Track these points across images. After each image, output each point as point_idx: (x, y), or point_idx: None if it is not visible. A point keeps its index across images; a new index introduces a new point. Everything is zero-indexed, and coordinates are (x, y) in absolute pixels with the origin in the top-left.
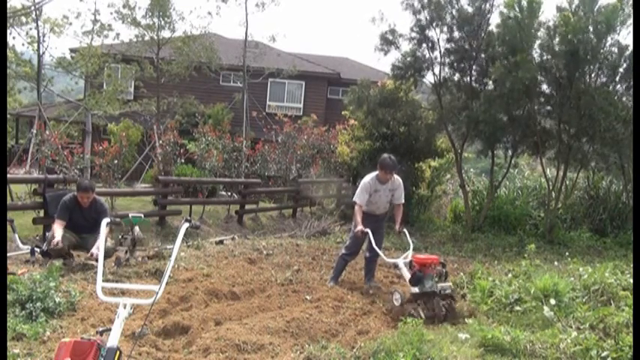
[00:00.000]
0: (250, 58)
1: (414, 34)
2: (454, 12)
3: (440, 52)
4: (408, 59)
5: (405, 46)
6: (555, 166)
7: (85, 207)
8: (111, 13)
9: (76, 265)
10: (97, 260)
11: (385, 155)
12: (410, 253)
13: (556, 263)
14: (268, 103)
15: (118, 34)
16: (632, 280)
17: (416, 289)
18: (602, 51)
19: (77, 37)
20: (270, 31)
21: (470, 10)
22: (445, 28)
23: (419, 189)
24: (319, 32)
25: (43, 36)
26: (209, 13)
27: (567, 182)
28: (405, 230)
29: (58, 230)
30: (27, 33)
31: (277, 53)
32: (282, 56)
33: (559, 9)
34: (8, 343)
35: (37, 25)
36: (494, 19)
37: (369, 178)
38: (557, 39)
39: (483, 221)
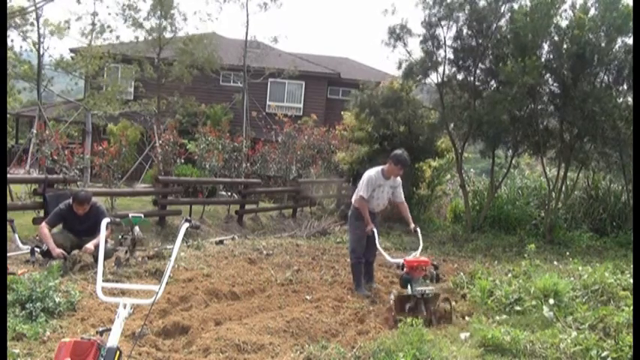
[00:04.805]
0: (251, 58)
1: (422, 31)
2: (467, 9)
3: (445, 50)
4: (416, 57)
5: (412, 43)
6: (556, 165)
7: (81, 215)
8: (109, 14)
9: (76, 265)
10: (92, 255)
11: (399, 151)
12: (418, 253)
13: (556, 263)
14: (268, 103)
15: (118, 37)
16: (632, 280)
17: (409, 291)
18: (610, 53)
19: (77, 38)
20: (271, 31)
21: (484, 4)
22: (454, 27)
23: (419, 189)
24: (319, 32)
25: (43, 37)
26: (208, 15)
27: (568, 182)
28: (418, 229)
29: (49, 240)
30: (25, 33)
31: (278, 53)
32: (282, 56)
33: (572, 7)
34: (8, 343)
35: (38, 25)
36: (507, 17)
37: (373, 171)
38: (567, 39)
39: (483, 221)
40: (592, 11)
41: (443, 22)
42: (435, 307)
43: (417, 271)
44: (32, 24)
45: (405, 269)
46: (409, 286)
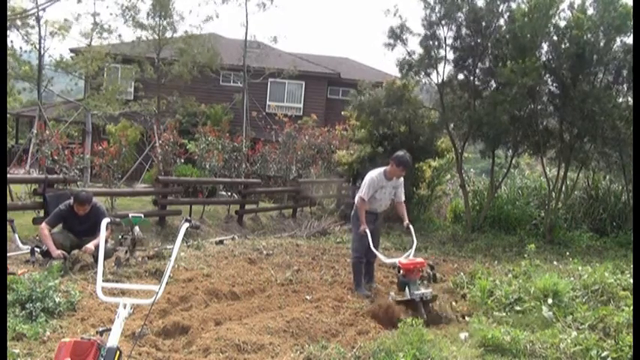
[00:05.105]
0: (251, 58)
1: (422, 30)
2: (464, 10)
3: (445, 50)
4: (415, 57)
5: (412, 43)
6: (556, 165)
7: (81, 215)
8: (111, 14)
9: (76, 264)
10: (92, 255)
11: (401, 152)
12: (412, 251)
13: (556, 263)
14: (268, 103)
15: (119, 35)
16: (632, 280)
17: (407, 294)
18: (609, 52)
19: (77, 38)
20: (271, 31)
21: (482, 5)
22: (454, 26)
23: (419, 189)
24: (319, 32)
25: (44, 38)
26: (208, 16)
27: (567, 182)
28: (410, 227)
29: (49, 242)
30: (28, 35)
31: (278, 54)
32: (282, 56)
33: (571, 6)
34: (8, 343)
35: (39, 25)
36: (503, 17)
37: (375, 173)
38: (565, 40)
39: (483, 221)
40: (590, 11)
41: (443, 22)
42: (433, 308)
43: (414, 273)
44: (32, 27)
45: (401, 272)
46: (407, 289)
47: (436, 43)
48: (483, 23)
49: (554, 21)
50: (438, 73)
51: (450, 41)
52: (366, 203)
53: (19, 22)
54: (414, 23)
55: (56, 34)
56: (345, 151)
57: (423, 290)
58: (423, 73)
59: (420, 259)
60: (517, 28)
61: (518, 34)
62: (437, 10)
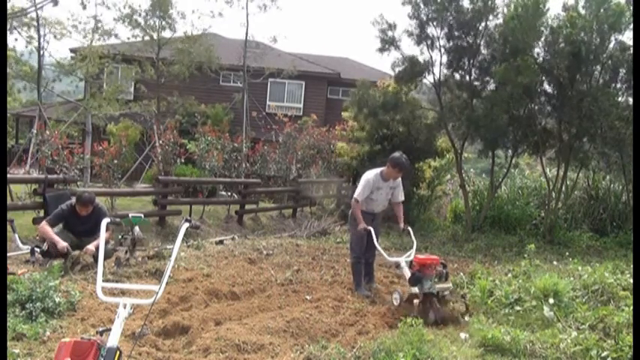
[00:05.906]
0: (251, 58)
1: (413, 30)
2: (452, 11)
3: (440, 50)
4: (406, 64)
5: (405, 43)
6: (556, 165)
7: (83, 216)
8: (114, 19)
9: (75, 264)
10: (92, 256)
11: (398, 154)
12: (413, 251)
13: (556, 263)
14: (268, 103)
15: (116, 35)
16: (632, 280)
17: (415, 290)
18: (605, 51)
19: (78, 38)
20: (271, 31)
21: (469, 7)
22: (445, 26)
23: (419, 189)
24: (319, 32)
25: (44, 38)
26: (211, 12)
27: (567, 182)
28: (409, 228)
29: (52, 235)
30: (29, 36)
31: (277, 54)
32: (282, 56)
33: (565, 8)
34: (8, 343)
35: (38, 24)
36: (496, 18)
37: (372, 174)
38: (560, 39)
39: (483, 221)
40: (583, 11)
41: (434, 22)
42: (446, 306)
43: (429, 269)
44: (34, 26)
45: (415, 267)
46: (419, 285)
47: (429, 42)
48: (473, 23)
49: (547, 21)
50: (433, 73)
51: (443, 41)
52: (361, 204)
53: (23, 20)
54: (410, 22)
55: (57, 35)
56: (346, 144)
57: (442, 285)
58: (417, 76)
59: (434, 256)
60: (508, 29)
61: (509, 35)
62: (426, 11)
